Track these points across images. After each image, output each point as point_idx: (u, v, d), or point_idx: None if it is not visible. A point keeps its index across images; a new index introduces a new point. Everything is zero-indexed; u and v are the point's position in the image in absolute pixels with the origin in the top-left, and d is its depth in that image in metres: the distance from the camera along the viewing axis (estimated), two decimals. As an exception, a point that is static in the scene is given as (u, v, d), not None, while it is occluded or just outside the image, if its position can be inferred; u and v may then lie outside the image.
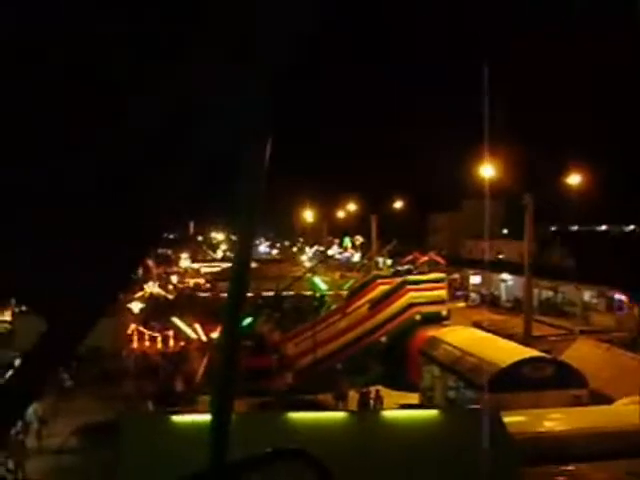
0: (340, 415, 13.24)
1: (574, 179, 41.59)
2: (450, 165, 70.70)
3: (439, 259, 36.83)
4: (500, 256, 63.86)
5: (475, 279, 63.66)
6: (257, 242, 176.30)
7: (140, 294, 45.17)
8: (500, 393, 19.80)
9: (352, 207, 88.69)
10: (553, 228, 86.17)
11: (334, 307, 34.95)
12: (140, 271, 64.32)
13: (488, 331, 29.45)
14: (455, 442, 12.07)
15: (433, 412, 14.13)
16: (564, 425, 17.25)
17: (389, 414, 13.38)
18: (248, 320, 29.28)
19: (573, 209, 62.35)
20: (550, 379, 20.38)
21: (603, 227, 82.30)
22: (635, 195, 58.76)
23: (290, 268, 72.86)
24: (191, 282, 59.58)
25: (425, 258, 35.29)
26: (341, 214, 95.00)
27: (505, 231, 78.78)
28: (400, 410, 18.86)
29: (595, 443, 16.34)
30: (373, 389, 25.97)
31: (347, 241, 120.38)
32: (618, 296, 43.25)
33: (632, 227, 76.08)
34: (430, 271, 33.34)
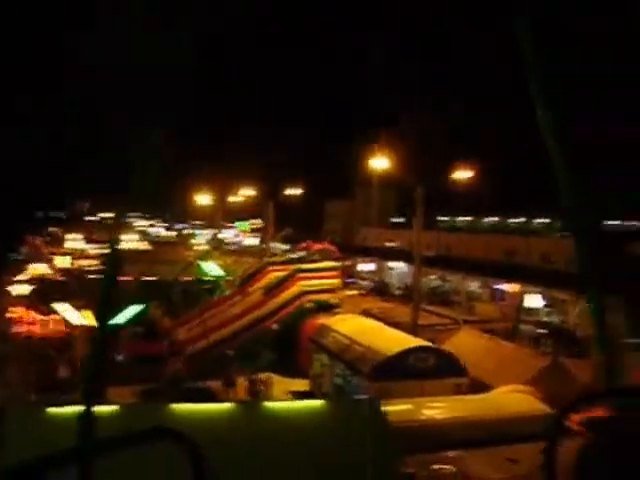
0: (225, 406, 13.29)
1: (462, 174, 43.23)
2: (346, 154, 71.71)
3: (332, 247, 37.27)
4: (392, 244, 65.22)
5: (367, 266, 64.62)
6: (153, 223, 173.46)
7: (24, 275, 43.50)
8: (385, 381, 20.41)
9: (249, 192, 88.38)
10: (444, 218, 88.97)
11: (227, 293, 34.88)
12: (26, 250, 62.15)
13: (377, 319, 30.10)
14: (337, 432, 12.40)
15: (316, 403, 14.40)
16: (444, 413, 17.86)
17: (273, 405, 13.54)
18: (141, 306, 28.93)
19: (461, 201, 64.53)
20: (433, 368, 21.06)
21: (489, 218, 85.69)
22: (515, 190, 61.42)
23: (185, 252, 72.02)
24: (76, 264, 57.64)
25: (318, 246, 35.65)
26: (238, 199, 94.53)
27: (396, 219, 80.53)
28: (284, 401, 19.10)
29: (474, 430, 17.04)
30: (263, 376, 26.13)
31: (244, 225, 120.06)
32: (500, 287, 45.00)
33: (517, 220, 79.69)
34: (323, 259, 33.72)
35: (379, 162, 35.50)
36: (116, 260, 7.71)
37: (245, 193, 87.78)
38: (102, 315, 7.97)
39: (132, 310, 27.68)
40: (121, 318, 26.40)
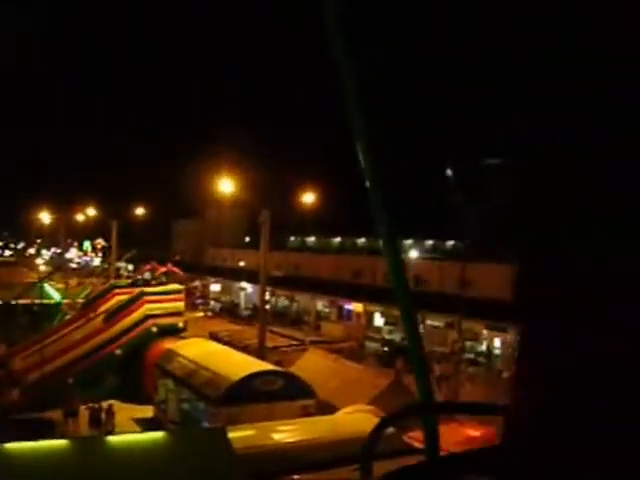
0: (58, 443, 12.59)
1: (309, 197, 44.28)
2: (195, 175, 71.29)
3: (177, 270, 36.71)
4: (241, 264, 65.07)
5: (215, 287, 64.25)
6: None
7: None
8: (232, 406, 20.19)
9: (92, 211, 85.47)
10: (292, 238, 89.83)
11: (68, 317, 33.48)
12: None
13: (225, 342, 29.82)
14: (181, 465, 12.05)
15: (159, 434, 13.95)
16: (291, 436, 17.84)
17: (111, 439, 12.98)
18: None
19: (310, 222, 65.56)
20: (279, 391, 21.03)
21: (338, 239, 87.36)
22: (358, 212, 63.63)
23: (25, 273, 68.40)
24: None
25: (163, 269, 35.01)
26: (81, 217, 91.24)
27: (247, 239, 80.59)
28: (128, 429, 18.50)
29: (320, 452, 17.13)
30: (106, 404, 25.19)
31: (87, 245, 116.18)
32: (348, 306, 45.97)
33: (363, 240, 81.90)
34: (168, 282, 33.14)
35: (225, 185, 35.38)
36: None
37: (89, 212, 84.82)
38: None
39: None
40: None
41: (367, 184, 2.53)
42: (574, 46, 1.16)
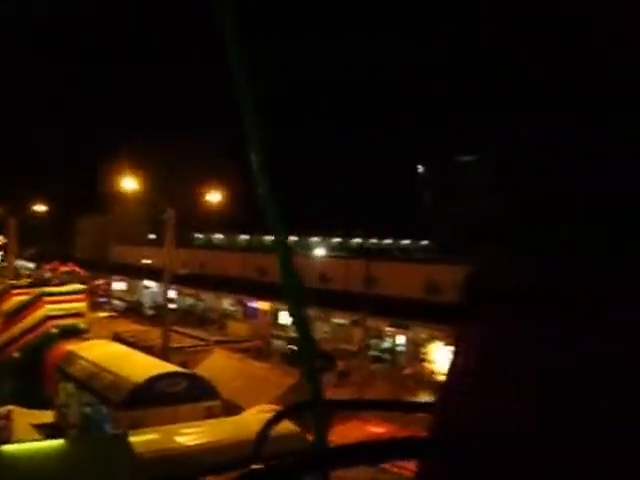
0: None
1: (215, 195, 44.15)
2: (100, 172, 69.93)
3: (79, 269, 35.89)
4: (148, 261, 64.10)
5: (119, 285, 63.01)
6: None
7: None
8: (135, 410, 19.92)
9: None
10: (198, 235, 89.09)
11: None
12: None
13: (129, 343, 29.35)
14: (81, 473, 11.91)
15: (58, 442, 13.77)
16: (195, 439, 17.78)
17: (9, 449, 12.71)
18: None
19: (216, 220, 65.26)
20: (184, 393, 20.89)
21: (244, 236, 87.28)
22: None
23: None
24: None
25: (65, 268, 34.15)
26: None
27: (153, 236, 79.40)
28: (27, 436, 18.04)
29: (225, 454, 17.13)
30: (3, 410, 24.39)
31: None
32: (253, 304, 45.96)
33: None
34: (70, 281, 32.34)
35: (128, 183, 34.86)
36: None
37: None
38: None
39: None
40: None
41: (257, 183, 2.63)
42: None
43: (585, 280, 1.07)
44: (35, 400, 26.28)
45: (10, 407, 24.85)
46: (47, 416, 25.02)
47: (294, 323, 2.68)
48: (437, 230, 1.31)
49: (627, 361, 1.00)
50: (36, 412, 25.54)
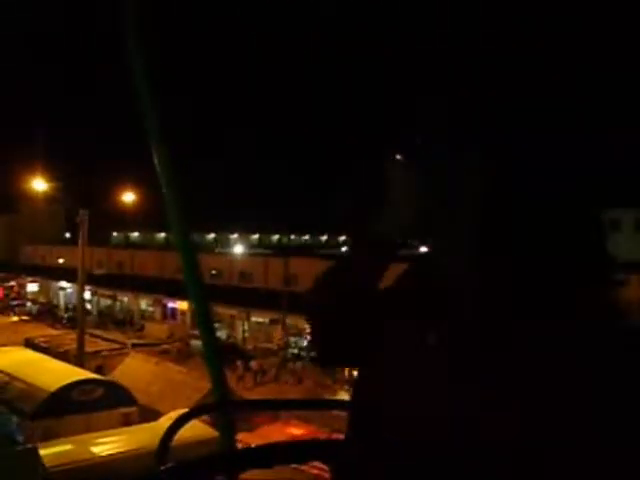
0: None
1: (129, 197, 43.74)
2: (8, 171, 67.83)
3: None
4: (60, 261, 62.46)
5: (33, 287, 61.16)
6: None
7: None
8: (48, 420, 19.45)
9: None
10: (115, 234, 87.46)
11: None
12: None
13: (42, 349, 28.61)
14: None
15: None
16: (110, 448, 17.51)
17: None
18: None
19: (133, 217, 64.26)
20: (99, 400, 20.51)
21: (162, 234, 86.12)
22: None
23: None
24: None
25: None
26: None
27: (68, 235, 77.55)
28: None
29: (141, 462, 16.91)
30: None
31: None
32: (171, 304, 45.40)
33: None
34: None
35: (38, 184, 33.98)
36: None
37: None
38: None
39: None
40: None
41: (161, 182, 2.61)
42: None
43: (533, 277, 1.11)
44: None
45: None
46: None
47: (198, 321, 2.68)
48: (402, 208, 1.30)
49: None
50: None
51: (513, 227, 1.13)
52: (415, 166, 1.25)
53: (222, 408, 2.90)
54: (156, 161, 2.67)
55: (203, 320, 2.72)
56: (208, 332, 2.74)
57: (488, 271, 1.14)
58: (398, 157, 1.29)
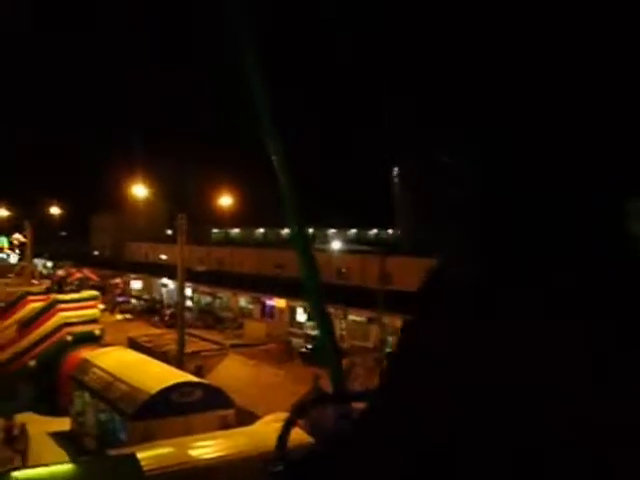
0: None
1: (228, 196, 44.66)
2: (112, 169, 70.18)
3: (92, 275, 35.91)
4: (165, 257, 64.07)
5: (136, 284, 62.94)
6: None
7: None
8: (148, 421, 19.86)
9: (4, 209, 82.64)
10: (215, 230, 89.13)
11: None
12: None
13: (144, 349, 29.35)
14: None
15: (68, 466, 13.68)
16: (208, 452, 17.65)
17: (22, 474, 12.62)
18: None
19: (233, 213, 65.54)
20: (197, 403, 20.79)
21: (261, 230, 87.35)
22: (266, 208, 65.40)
23: None
24: None
25: (79, 274, 34.15)
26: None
27: (169, 232, 79.50)
28: (31, 469, 17.85)
29: (239, 467, 17.02)
30: (19, 419, 24.43)
31: (2, 241, 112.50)
32: (270, 302, 45.77)
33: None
34: (83, 288, 32.35)
35: (140, 186, 35.03)
36: None
37: (1, 212, 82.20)
38: None
39: None
40: None
41: (278, 179, 2.65)
42: None
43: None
44: (51, 408, 26.40)
45: (27, 414, 24.97)
46: (63, 423, 25.07)
47: (315, 319, 2.68)
48: (403, 222, 1.35)
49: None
50: (52, 419, 25.63)
51: (509, 234, 1.13)
52: (404, 179, 1.27)
53: (339, 400, 2.88)
54: (273, 160, 2.68)
55: (321, 317, 2.70)
56: (326, 329, 2.73)
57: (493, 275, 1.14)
58: (396, 170, 1.29)
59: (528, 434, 1.02)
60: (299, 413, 2.03)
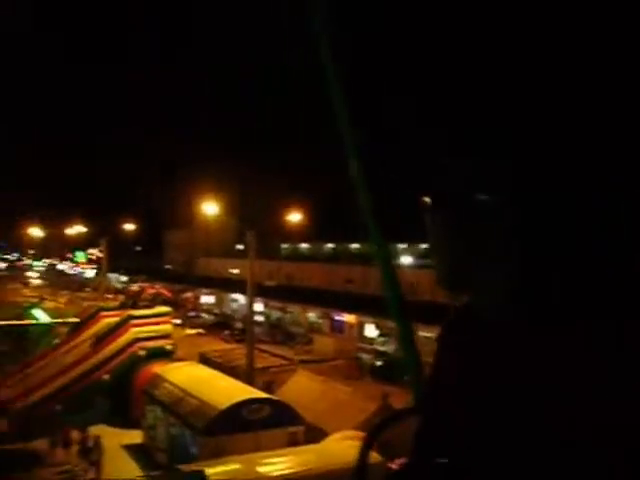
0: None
1: (295, 216, 44.99)
2: (183, 186, 71.54)
3: (165, 292, 36.47)
4: (236, 270, 64.56)
5: (207, 299, 63.63)
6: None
7: None
8: (218, 436, 20.03)
9: (81, 226, 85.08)
10: (284, 245, 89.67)
11: (56, 342, 33.15)
12: None
13: (215, 364, 29.62)
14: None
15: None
16: (277, 469, 17.66)
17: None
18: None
19: (302, 228, 65.92)
20: (267, 419, 20.87)
21: (330, 245, 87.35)
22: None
23: (20, 287, 67.69)
24: None
25: (151, 290, 34.73)
26: (73, 232, 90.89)
27: (240, 246, 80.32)
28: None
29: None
30: (94, 431, 24.93)
31: (80, 255, 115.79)
32: (339, 317, 45.61)
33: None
34: (155, 304, 32.84)
35: (209, 206, 35.54)
36: None
37: (78, 225, 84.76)
38: None
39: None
40: None
41: (357, 193, 2.69)
42: None
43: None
44: (124, 420, 26.89)
45: (101, 426, 25.49)
46: (135, 436, 25.51)
47: (399, 334, 2.70)
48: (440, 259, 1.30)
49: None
50: (125, 432, 26.11)
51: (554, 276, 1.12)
52: (441, 213, 1.23)
53: (420, 414, 2.82)
54: (352, 174, 2.70)
55: (404, 333, 2.70)
56: (409, 344, 2.71)
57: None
58: (426, 201, 1.26)
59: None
60: (380, 430, 1.99)
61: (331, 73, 2.67)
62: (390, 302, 2.70)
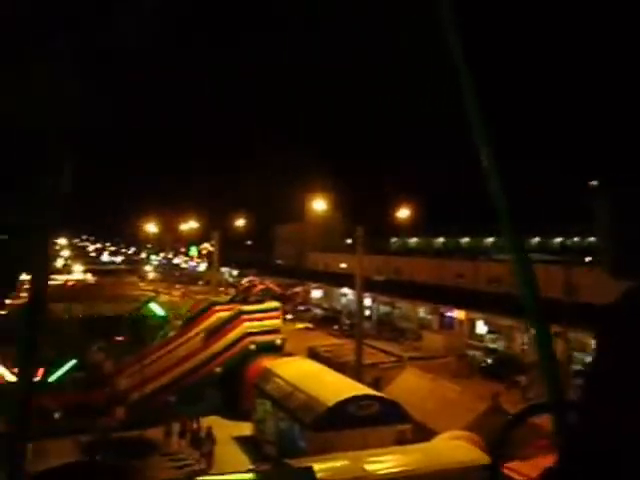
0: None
1: (403, 212, 44.65)
2: (292, 180, 72.40)
3: (275, 287, 36.88)
4: (344, 265, 64.69)
5: (317, 293, 64.13)
6: (97, 247, 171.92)
7: None
8: (326, 432, 20.05)
9: (194, 223, 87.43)
10: (393, 239, 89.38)
11: (170, 334, 34.14)
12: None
13: (323, 359, 29.74)
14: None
15: (248, 476, 14.03)
16: (385, 467, 17.51)
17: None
18: (72, 363, 28.46)
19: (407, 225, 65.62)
20: (375, 416, 20.75)
21: (440, 239, 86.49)
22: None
23: (136, 281, 69.97)
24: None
25: (262, 286, 35.20)
26: (187, 227, 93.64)
27: (349, 241, 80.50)
28: (215, 476, 18.49)
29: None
30: (206, 422, 25.54)
31: (193, 250, 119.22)
32: (449, 313, 44.96)
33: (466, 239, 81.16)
34: (265, 299, 33.24)
35: (319, 203, 35.81)
36: (39, 302, 7.08)
37: (191, 223, 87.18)
38: (24, 370, 7.32)
39: (64, 367, 27.23)
40: (52, 375, 25.89)
41: (489, 182, 2.64)
42: None
43: None
44: (235, 412, 27.46)
45: (212, 418, 26.14)
46: (245, 428, 25.99)
47: (535, 333, 2.70)
48: (610, 251, 1.26)
49: None
50: (236, 423, 26.68)
51: None
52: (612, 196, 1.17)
53: (557, 409, 2.82)
54: (486, 170, 2.61)
55: (540, 332, 2.68)
56: (545, 343, 2.69)
57: None
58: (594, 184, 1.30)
59: None
60: (513, 425, 1.96)
61: (464, 72, 2.60)
62: (525, 299, 2.65)
